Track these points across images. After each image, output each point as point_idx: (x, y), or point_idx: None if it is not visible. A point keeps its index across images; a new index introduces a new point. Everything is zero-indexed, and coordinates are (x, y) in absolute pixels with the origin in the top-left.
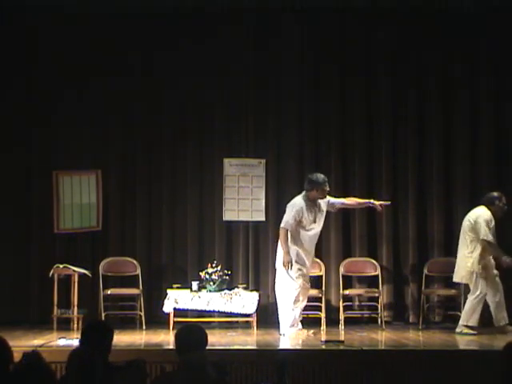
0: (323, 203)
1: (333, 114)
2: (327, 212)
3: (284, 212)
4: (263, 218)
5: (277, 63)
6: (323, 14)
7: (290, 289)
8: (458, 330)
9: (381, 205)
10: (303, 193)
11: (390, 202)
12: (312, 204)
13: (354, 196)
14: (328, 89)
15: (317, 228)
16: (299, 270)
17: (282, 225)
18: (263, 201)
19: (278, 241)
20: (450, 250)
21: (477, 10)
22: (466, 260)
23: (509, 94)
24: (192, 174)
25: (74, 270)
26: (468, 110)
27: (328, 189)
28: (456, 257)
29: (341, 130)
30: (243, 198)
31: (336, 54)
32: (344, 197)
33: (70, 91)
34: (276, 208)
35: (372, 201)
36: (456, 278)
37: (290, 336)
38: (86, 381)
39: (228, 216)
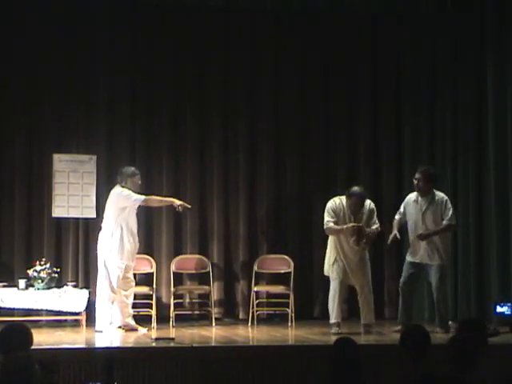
0: None
1: (166, 109)
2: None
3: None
4: (94, 215)
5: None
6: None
7: None
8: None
9: (181, 206)
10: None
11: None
12: None
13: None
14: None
15: None
16: None
17: None
18: (94, 197)
19: None
20: (280, 246)
21: None
22: None
23: None
24: (20, 169)
25: None
26: None
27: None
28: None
29: (174, 131)
30: (73, 194)
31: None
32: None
33: None
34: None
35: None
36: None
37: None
38: None
39: (57, 213)
